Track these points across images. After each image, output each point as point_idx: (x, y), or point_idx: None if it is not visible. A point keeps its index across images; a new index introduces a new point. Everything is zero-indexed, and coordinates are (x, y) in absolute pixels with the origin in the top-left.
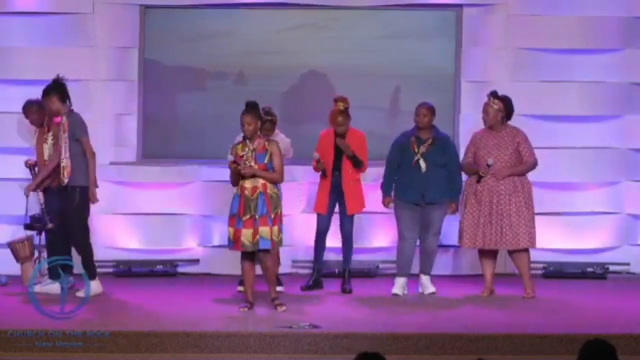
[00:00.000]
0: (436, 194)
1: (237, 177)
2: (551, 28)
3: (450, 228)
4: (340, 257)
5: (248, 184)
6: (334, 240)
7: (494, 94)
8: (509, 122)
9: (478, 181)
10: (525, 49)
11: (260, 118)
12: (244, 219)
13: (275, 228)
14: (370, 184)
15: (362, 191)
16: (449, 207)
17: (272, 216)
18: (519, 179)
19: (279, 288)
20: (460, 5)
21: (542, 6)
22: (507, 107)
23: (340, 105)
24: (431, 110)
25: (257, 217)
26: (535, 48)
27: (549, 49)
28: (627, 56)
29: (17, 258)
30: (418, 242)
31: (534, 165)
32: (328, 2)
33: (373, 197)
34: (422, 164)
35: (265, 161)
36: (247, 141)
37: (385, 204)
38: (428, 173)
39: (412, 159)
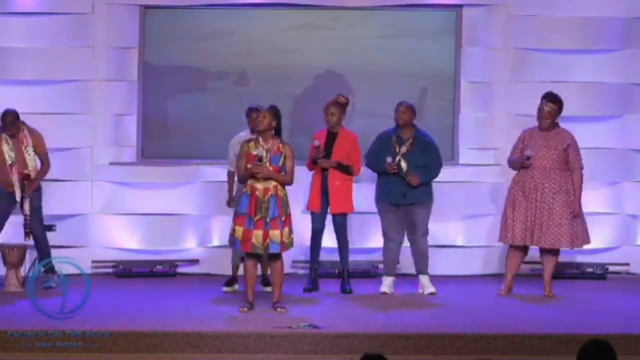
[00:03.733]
0: (418, 193)
1: (249, 175)
2: (551, 28)
3: (450, 228)
4: (337, 258)
5: (260, 184)
6: (332, 241)
7: (548, 97)
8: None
9: (527, 165)
10: (525, 49)
11: (277, 119)
12: (255, 219)
13: (286, 230)
14: (366, 183)
15: (351, 192)
16: (413, 179)
17: (283, 218)
18: (565, 179)
19: (268, 289)
20: (460, 5)
21: (542, 6)
22: (559, 107)
23: (341, 99)
24: (410, 109)
25: (268, 219)
26: (535, 48)
27: (549, 49)
28: (627, 56)
29: (4, 262)
30: (408, 244)
31: (581, 172)
32: (328, 3)
33: (371, 198)
34: (403, 164)
35: (280, 163)
36: (260, 140)
37: (389, 166)
38: (408, 173)
39: (394, 160)
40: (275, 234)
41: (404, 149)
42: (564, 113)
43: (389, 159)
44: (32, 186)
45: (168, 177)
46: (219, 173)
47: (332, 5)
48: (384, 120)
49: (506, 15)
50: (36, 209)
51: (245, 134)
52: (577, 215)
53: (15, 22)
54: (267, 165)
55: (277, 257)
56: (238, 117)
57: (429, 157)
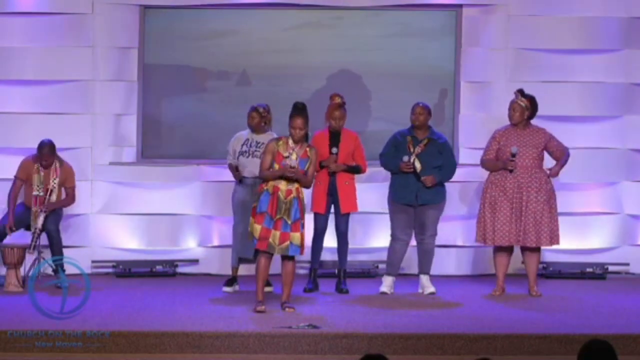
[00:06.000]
0: (430, 194)
1: (275, 176)
2: (551, 28)
3: (450, 228)
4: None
5: (283, 185)
6: (331, 240)
7: (521, 92)
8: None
9: (511, 171)
10: (525, 49)
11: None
12: (275, 219)
13: (304, 233)
14: (368, 184)
15: (355, 192)
16: (427, 179)
17: (303, 222)
18: (544, 176)
19: (268, 289)
20: (460, 5)
21: (542, 6)
22: (532, 105)
23: (338, 99)
24: (427, 110)
25: (289, 222)
26: (535, 48)
27: (549, 49)
28: (627, 56)
29: (3, 261)
30: (414, 243)
31: (568, 156)
32: (329, 3)
33: (373, 198)
34: (417, 164)
35: (306, 167)
36: (290, 142)
37: (405, 165)
38: (422, 174)
39: (409, 159)
40: (296, 236)
41: (418, 149)
42: (564, 113)
43: (405, 158)
44: (51, 205)
45: (168, 177)
46: (219, 173)
47: (333, 5)
48: (383, 120)
49: (506, 15)
50: (57, 210)
51: (246, 133)
52: (554, 175)
53: (15, 22)
54: (296, 167)
55: (291, 258)
56: (238, 117)
57: (443, 158)
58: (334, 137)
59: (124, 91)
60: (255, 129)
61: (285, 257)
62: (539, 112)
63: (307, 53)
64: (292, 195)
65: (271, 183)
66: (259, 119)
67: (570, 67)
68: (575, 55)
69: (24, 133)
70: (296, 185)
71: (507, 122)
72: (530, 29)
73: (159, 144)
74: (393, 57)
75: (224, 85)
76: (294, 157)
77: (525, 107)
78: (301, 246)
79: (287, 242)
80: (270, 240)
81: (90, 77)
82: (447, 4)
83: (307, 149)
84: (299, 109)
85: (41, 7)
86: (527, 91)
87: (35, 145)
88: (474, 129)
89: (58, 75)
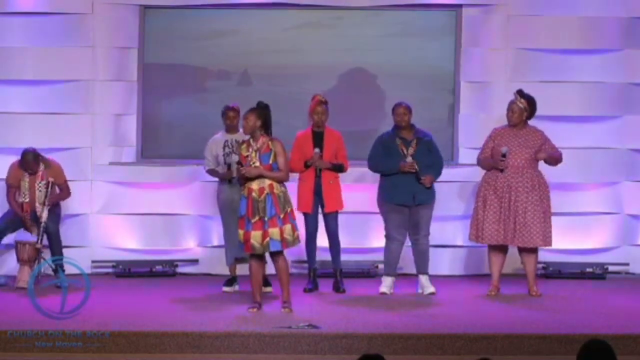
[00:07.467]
0: (426, 194)
1: (242, 179)
2: (551, 28)
3: (449, 228)
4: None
5: (255, 185)
6: (326, 240)
7: (520, 93)
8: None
9: (502, 171)
10: (525, 49)
11: (262, 118)
12: (253, 220)
13: (288, 227)
14: (367, 184)
15: (340, 190)
16: (427, 179)
17: (282, 216)
18: (537, 177)
19: (267, 289)
20: (460, 5)
21: (542, 6)
22: (531, 106)
23: (321, 97)
24: (409, 109)
25: (266, 218)
26: (535, 48)
27: (549, 49)
28: (627, 56)
29: (17, 258)
30: (409, 243)
31: (561, 156)
32: (329, 3)
33: (372, 198)
34: (416, 166)
35: (270, 161)
36: (251, 141)
37: (409, 165)
38: (420, 174)
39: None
40: (274, 231)
41: (411, 150)
42: (563, 113)
43: (409, 159)
44: (53, 198)
45: (168, 177)
46: None
47: (333, 5)
48: (383, 119)
49: (506, 15)
50: (56, 210)
51: (221, 136)
52: (539, 158)
53: (15, 22)
54: (257, 164)
55: (279, 255)
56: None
57: (433, 157)
58: (317, 137)
59: (124, 91)
60: (232, 129)
61: (274, 255)
62: (539, 112)
63: (307, 53)
64: (265, 193)
65: (246, 186)
66: (238, 118)
67: (569, 67)
68: (574, 55)
69: (24, 133)
70: (268, 181)
71: (506, 122)
72: (530, 29)
73: (159, 144)
74: (393, 57)
75: (224, 85)
76: (253, 154)
77: (524, 108)
78: (283, 240)
79: (267, 239)
80: (252, 241)
81: (90, 77)
82: (447, 4)
83: (269, 142)
84: (257, 107)
85: (41, 7)
86: (527, 91)
87: (35, 146)
88: (474, 129)
89: (58, 75)
